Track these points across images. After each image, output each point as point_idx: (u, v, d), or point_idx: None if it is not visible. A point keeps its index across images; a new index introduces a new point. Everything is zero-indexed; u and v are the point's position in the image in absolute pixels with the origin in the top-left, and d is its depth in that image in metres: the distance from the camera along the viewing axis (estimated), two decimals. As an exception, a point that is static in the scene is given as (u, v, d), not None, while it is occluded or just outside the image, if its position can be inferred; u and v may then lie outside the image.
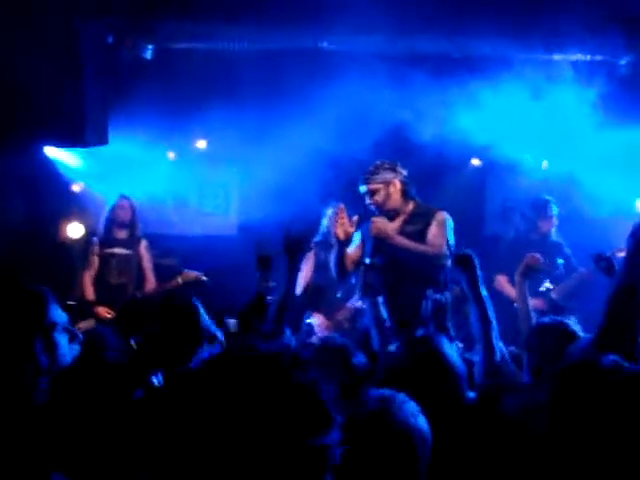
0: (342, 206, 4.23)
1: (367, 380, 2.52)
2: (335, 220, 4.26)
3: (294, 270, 3.31)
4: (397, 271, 4.23)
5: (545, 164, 6.59)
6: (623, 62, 5.68)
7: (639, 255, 2.11)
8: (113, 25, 5.38)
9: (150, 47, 5.48)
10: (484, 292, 2.94)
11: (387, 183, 4.33)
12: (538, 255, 4.69)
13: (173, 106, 5.93)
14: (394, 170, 4.39)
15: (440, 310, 4.21)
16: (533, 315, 3.86)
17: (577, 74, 5.48)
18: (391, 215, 4.32)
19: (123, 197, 5.90)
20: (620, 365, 1.54)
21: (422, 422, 1.68)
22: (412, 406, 1.70)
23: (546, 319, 3.08)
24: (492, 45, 5.46)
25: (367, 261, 4.28)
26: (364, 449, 1.57)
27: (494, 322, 2.82)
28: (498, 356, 2.67)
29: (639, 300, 2.06)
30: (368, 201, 4.35)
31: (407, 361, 2.22)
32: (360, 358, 2.73)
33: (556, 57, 5.56)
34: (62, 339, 1.75)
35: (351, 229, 4.13)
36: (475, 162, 6.88)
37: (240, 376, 1.10)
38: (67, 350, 1.76)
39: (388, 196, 4.31)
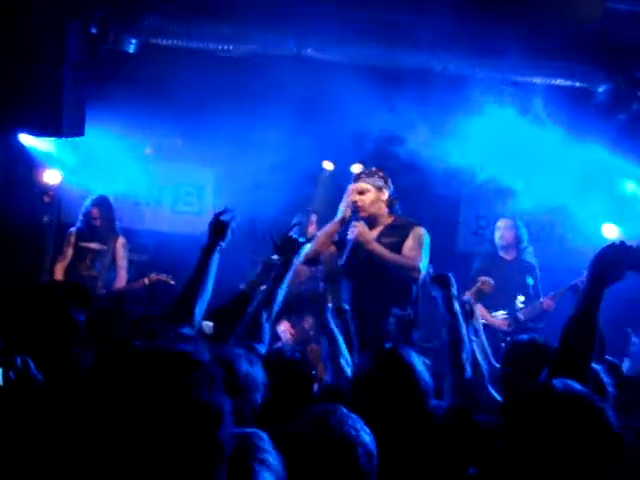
0: (355, 186, 4.28)
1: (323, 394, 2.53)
2: (348, 197, 4.27)
3: (287, 270, 3.29)
4: (368, 282, 4.23)
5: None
6: (601, 90, 5.75)
7: (596, 285, 2.09)
8: (98, 16, 5.33)
9: (134, 41, 5.43)
10: (458, 311, 2.98)
11: (378, 188, 4.35)
12: (490, 281, 4.74)
13: (152, 102, 5.90)
14: (386, 181, 4.42)
15: (406, 326, 4.23)
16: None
17: (556, 99, 5.57)
18: (370, 222, 4.31)
19: (94, 203, 5.86)
20: (570, 386, 1.56)
21: (365, 435, 1.68)
22: (354, 420, 1.71)
23: (524, 336, 3.08)
24: (476, 66, 5.50)
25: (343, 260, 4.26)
26: (306, 463, 1.58)
27: (466, 341, 2.84)
28: (469, 374, 2.69)
29: (592, 331, 2.06)
30: (354, 199, 4.31)
31: (375, 373, 2.22)
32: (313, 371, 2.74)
33: (536, 80, 5.62)
34: None
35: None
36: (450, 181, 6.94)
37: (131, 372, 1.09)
38: None
39: (375, 201, 4.32)
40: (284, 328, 4.95)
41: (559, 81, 5.60)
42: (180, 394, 1.09)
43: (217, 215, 3.02)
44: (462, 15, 5.02)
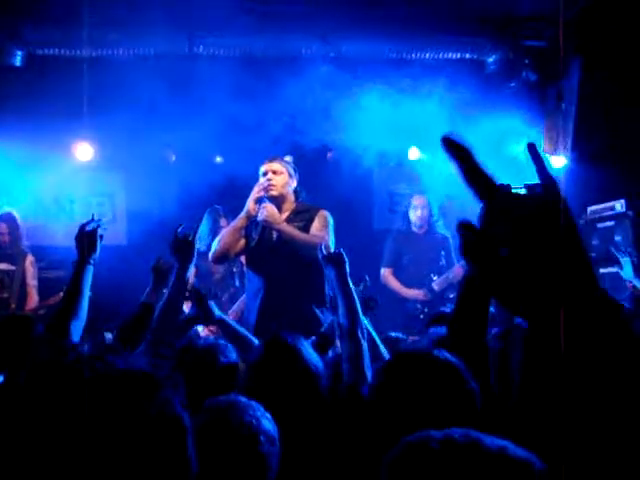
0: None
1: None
2: (255, 194, 4.24)
3: (183, 273, 3.28)
4: (279, 271, 4.23)
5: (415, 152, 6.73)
6: (491, 60, 5.94)
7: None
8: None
9: (19, 53, 5.29)
10: (352, 287, 3.02)
11: (289, 175, 4.39)
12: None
13: (51, 114, 5.76)
14: (295, 171, 4.46)
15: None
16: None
17: (449, 72, 5.72)
18: (278, 206, 4.31)
19: (1, 218, 5.69)
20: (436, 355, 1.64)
21: (266, 423, 1.72)
22: (254, 408, 1.74)
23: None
24: (365, 45, 5.59)
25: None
26: (209, 454, 1.60)
27: (360, 316, 2.89)
28: (364, 348, 2.74)
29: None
30: (266, 179, 4.29)
31: (264, 360, 2.26)
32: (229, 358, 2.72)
33: (427, 55, 5.75)
34: None
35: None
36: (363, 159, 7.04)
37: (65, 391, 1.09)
38: None
39: (285, 184, 4.34)
40: (203, 327, 4.92)
41: (450, 55, 5.74)
42: (148, 414, 1.10)
43: (82, 227, 2.94)
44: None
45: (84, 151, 6.56)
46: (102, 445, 1.06)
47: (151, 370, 1.17)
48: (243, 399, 1.81)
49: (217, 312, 3.31)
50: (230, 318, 4.89)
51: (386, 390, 1.60)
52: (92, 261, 2.88)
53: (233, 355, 2.75)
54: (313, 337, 3.24)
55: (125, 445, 1.07)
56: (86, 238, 2.90)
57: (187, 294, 3.31)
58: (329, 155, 6.79)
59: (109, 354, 2.89)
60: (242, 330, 3.26)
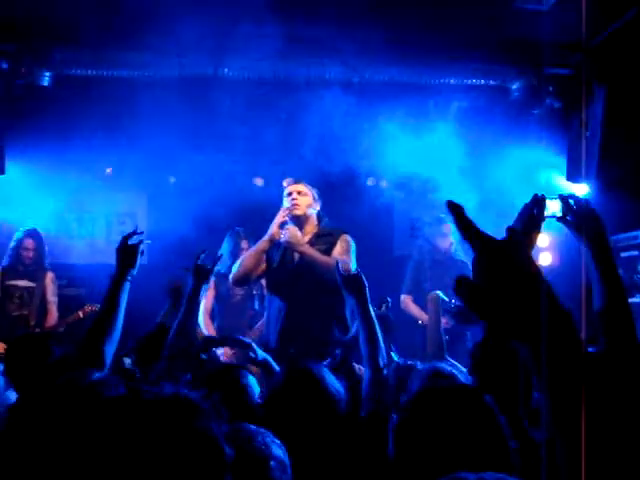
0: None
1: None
2: (279, 217, 4.24)
3: (196, 295, 3.29)
4: (300, 294, 4.21)
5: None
6: (515, 87, 5.93)
7: None
8: (9, 51, 5.26)
9: (47, 74, 5.36)
10: (372, 313, 2.96)
11: (314, 198, 4.41)
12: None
13: (75, 133, 5.83)
14: (319, 197, 4.47)
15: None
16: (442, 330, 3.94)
17: (473, 98, 5.72)
18: (300, 227, 4.30)
19: (27, 233, 5.73)
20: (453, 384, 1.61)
21: (276, 448, 1.69)
22: (262, 435, 1.72)
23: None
24: (389, 71, 5.61)
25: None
26: None
27: (381, 342, 2.84)
28: (385, 376, 2.70)
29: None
30: (291, 199, 4.30)
31: (286, 389, 2.23)
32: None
33: (451, 81, 5.75)
34: None
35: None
36: (384, 184, 7.04)
37: (141, 422, 1.08)
38: None
39: (309, 206, 4.35)
40: (223, 350, 4.91)
41: (474, 81, 5.73)
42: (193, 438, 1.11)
43: (124, 239, 2.78)
44: (376, 24, 5.13)
45: (107, 170, 6.64)
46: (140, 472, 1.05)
47: (194, 398, 1.17)
48: (252, 426, 1.79)
49: (260, 353, 3.27)
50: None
51: (413, 424, 1.57)
52: (130, 277, 2.70)
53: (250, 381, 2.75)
54: (327, 360, 3.21)
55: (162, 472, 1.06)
56: (128, 251, 2.73)
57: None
58: (370, 181, 6.77)
59: (130, 380, 2.87)
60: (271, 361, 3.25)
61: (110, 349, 2.52)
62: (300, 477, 1.75)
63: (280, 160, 6.09)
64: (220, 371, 2.78)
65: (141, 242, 2.80)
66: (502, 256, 0.92)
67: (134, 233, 2.82)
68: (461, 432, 1.50)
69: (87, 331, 2.56)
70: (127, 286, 2.68)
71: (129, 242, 2.78)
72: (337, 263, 3.25)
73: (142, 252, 2.79)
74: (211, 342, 3.71)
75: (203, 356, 3.48)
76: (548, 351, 0.86)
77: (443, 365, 2.57)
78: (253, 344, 3.31)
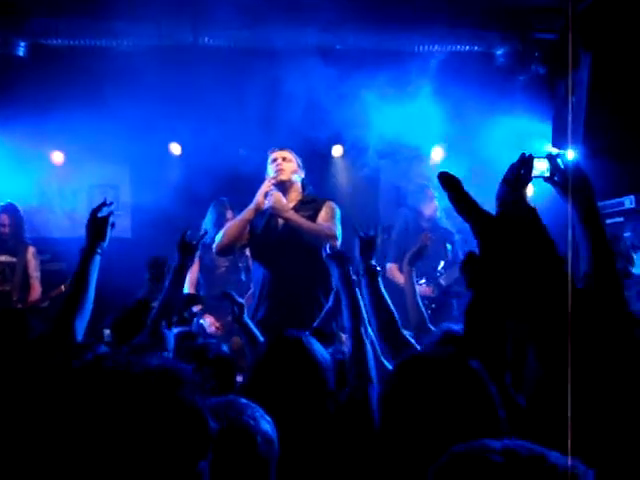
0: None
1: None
2: (265, 187, 4.21)
3: (183, 270, 3.24)
4: (285, 261, 4.17)
5: (439, 152, 6.73)
6: (500, 52, 5.86)
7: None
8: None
9: (23, 44, 5.23)
10: (355, 288, 2.93)
11: (299, 165, 4.40)
12: (429, 235, 4.81)
13: (54, 104, 5.70)
14: (302, 166, 4.45)
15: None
16: (421, 303, 3.91)
17: (457, 65, 5.65)
18: (284, 193, 4.26)
19: (2, 209, 5.64)
20: (446, 355, 1.58)
21: (264, 423, 1.67)
22: (252, 409, 1.70)
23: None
24: (372, 37, 5.52)
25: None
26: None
27: (363, 313, 2.81)
28: (369, 349, 2.67)
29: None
30: (276, 164, 4.29)
31: (273, 357, 2.21)
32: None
33: (435, 48, 5.68)
34: None
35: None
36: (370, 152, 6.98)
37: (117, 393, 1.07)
38: None
39: (294, 172, 4.33)
40: (209, 322, 4.90)
41: (458, 47, 5.66)
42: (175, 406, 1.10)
43: (93, 212, 2.70)
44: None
45: (86, 142, 6.52)
46: (115, 446, 1.04)
47: (175, 367, 1.15)
48: (242, 400, 1.77)
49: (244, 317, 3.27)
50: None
51: (401, 395, 1.54)
52: (100, 250, 2.63)
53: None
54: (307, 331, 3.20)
55: (139, 445, 1.05)
56: (97, 224, 2.65)
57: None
58: (337, 149, 6.72)
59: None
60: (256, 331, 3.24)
61: (81, 324, 2.47)
62: (285, 451, 1.74)
63: (263, 129, 6.01)
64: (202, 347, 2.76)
65: (111, 214, 2.73)
66: (508, 230, 0.91)
67: (104, 204, 2.74)
68: (451, 402, 1.48)
69: (59, 306, 2.50)
70: (97, 260, 2.61)
71: (99, 215, 2.70)
72: (327, 238, 3.24)
73: (113, 224, 2.72)
74: (192, 299, 3.67)
75: (185, 315, 3.46)
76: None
77: (452, 325, 2.55)
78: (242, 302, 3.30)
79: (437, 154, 6.73)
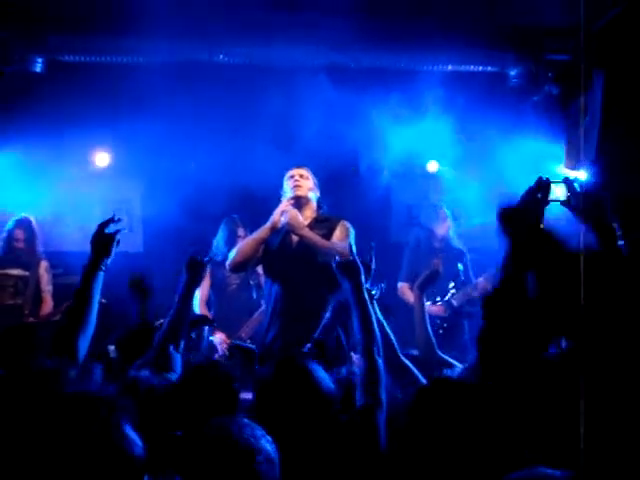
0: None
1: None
2: (282, 206, 4.23)
3: (192, 288, 3.23)
4: (300, 277, 4.16)
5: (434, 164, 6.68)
6: (513, 73, 5.87)
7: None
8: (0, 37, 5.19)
9: (40, 60, 5.28)
10: (367, 301, 2.87)
11: (315, 184, 4.43)
12: (438, 261, 4.80)
13: (69, 120, 5.76)
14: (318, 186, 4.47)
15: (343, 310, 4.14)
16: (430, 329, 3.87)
17: (470, 85, 5.66)
18: (300, 211, 4.28)
19: (17, 224, 5.67)
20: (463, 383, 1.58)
21: (265, 443, 1.68)
22: (253, 428, 1.70)
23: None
24: (388, 58, 5.55)
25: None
26: (208, 471, 1.57)
27: (376, 331, 2.71)
28: (381, 369, 2.63)
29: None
30: (293, 181, 4.31)
31: (276, 381, 2.20)
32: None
33: (449, 68, 5.70)
34: None
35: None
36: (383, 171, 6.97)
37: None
38: None
39: (311, 189, 4.37)
40: (220, 339, 4.89)
41: (472, 67, 5.68)
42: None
43: (100, 227, 2.67)
44: (372, 9, 5.06)
45: (102, 158, 6.57)
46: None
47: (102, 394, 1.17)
48: (246, 420, 1.77)
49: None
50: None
51: (423, 419, 1.53)
52: (104, 267, 2.59)
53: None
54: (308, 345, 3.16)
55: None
56: (103, 240, 2.62)
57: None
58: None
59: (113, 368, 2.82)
60: None
61: (83, 343, 2.43)
62: (290, 475, 1.74)
63: (277, 148, 6.04)
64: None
65: (118, 231, 2.70)
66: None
67: (111, 220, 2.73)
68: (469, 436, 1.46)
69: (62, 322, 2.53)
70: (101, 276, 2.59)
71: (106, 231, 2.68)
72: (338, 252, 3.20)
73: (118, 242, 2.68)
74: (201, 320, 3.66)
75: (192, 335, 3.44)
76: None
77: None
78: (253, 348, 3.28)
79: (432, 167, 6.70)
